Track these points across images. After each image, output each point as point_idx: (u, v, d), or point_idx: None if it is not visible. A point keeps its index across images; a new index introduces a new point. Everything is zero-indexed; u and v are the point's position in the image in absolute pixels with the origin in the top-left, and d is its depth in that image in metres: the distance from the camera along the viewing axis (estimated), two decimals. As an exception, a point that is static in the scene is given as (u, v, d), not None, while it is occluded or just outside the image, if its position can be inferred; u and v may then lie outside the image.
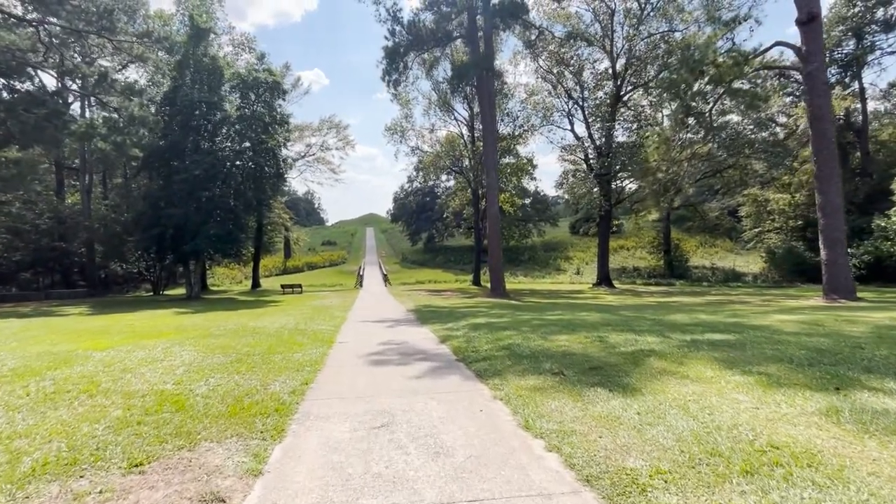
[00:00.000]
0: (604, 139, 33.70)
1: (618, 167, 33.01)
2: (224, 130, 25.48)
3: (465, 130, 39.34)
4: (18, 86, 20.98)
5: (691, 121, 15.41)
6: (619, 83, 32.19)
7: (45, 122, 19.06)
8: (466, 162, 39.91)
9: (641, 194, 37.67)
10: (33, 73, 24.31)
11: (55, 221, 34.97)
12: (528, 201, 58.41)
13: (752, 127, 30.61)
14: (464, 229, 52.33)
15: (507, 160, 39.38)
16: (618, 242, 57.25)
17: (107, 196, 40.40)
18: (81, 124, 20.61)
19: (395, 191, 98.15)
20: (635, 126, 32.42)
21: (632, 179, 33.60)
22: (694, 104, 14.56)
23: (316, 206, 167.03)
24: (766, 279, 40.01)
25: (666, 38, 31.85)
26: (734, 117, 28.62)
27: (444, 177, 63.00)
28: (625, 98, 32.58)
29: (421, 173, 57.17)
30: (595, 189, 36.45)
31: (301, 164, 46.05)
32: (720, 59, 13.14)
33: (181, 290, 35.95)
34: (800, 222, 38.91)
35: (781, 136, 36.08)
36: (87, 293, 34.03)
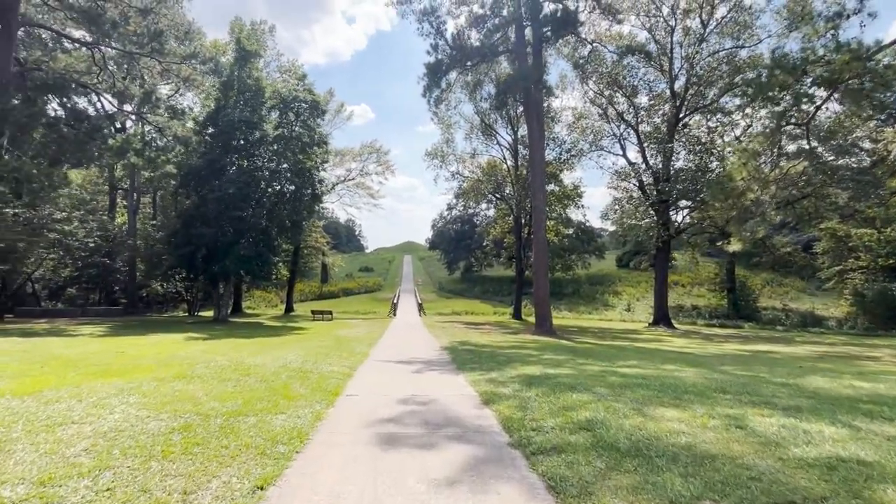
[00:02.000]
0: (661, 164, 30.98)
1: (675, 194, 30.04)
2: (261, 150, 24.99)
3: (507, 155, 37.74)
4: (69, 104, 21.35)
5: (787, 131, 12.83)
6: (678, 105, 29.68)
7: (86, 137, 19.09)
8: (509, 189, 38.07)
9: (700, 226, 34.24)
10: (90, 94, 24.94)
11: (103, 239, 35.92)
12: (571, 231, 55.45)
13: (831, 153, 27.02)
14: (504, 259, 49.87)
15: (551, 187, 37.18)
16: (671, 278, 52.71)
17: (155, 216, 41.54)
18: (118, 140, 20.62)
19: (433, 217, 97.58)
20: (697, 149, 29.52)
21: (696, 207, 30.34)
22: (792, 113, 12.07)
23: (356, 232, 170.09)
24: (853, 325, 34.80)
25: (731, 57, 29.37)
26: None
27: (483, 205, 61.53)
28: (685, 120, 29.93)
29: (461, 200, 55.92)
30: (649, 219, 33.52)
31: (341, 188, 45.84)
32: (830, 56, 10.69)
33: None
34: (892, 261, 33.98)
35: (867, 162, 31.91)
36: (125, 311, 34.17)
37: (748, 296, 39.95)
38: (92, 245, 35.27)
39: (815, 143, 14.75)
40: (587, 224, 57.44)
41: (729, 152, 24.63)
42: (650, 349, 13.43)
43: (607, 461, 3.39)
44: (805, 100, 11.25)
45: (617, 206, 35.84)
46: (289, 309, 40.75)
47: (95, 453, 3.31)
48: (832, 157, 26.07)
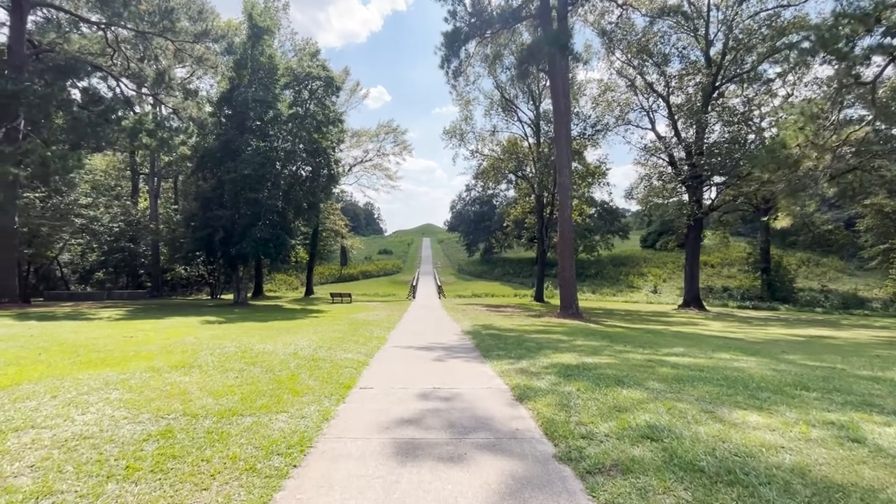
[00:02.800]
0: (694, 137, 29.09)
1: (709, 169, 28.21)
2: (276, 130, 24.34)
3: (529, 132, 36.22)
4: (84, 87, 21.03)
5: (849, 91, 11.25)
6: (714, 73, 27.60)
7: (100, 119, 18.76)
8: (530, 169, 36.66)
9: (734, 203, 32.31)
10: (106, 77, 24.62)
11: (127, 224, 36.33)
12: (594, 211, 53.57)
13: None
14: (525, 240, 48.64)
15: (574, 165, 35.57)
16: (699, 258, 50.74)
17: (177, 200, 41.82)
18: (131, 120, 20.26)
19: (452, 199, 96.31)
20: (735, 119, 27.52)
21: (731, 182, 28.50)
22: (858, 70, 10.53)
23: (375, 216, 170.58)
24: (901, 307, 32.65)
25: (774, 19, 27.08)
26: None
27: (503, 185, 59.98)
28: (721, 89, 27.88)
29: (480, 181, 54.55)
30: (677, 196, 31.83)
31: (358, 169, 45.15)
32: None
33: (237, 295, 35.72)
34: (943, 240, 31.59)
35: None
36: (150, 294, 34.68)
37: (784, 276, 37.86)
38: (117, 230, 35.75)
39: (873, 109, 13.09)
40: (611, 203, 55.45)
41: (781, 117, 22.69)
42: (689, 334, 12.40)
43: (693, 489, 2.57)
44: (878, 52, 9.75)
45: (644, 184, 34.15)
46: (309, 292, 40.75)
47: (43, 471, 2.67)
48: (886, 126, 23.91)
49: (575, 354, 7.47)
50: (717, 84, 27.42)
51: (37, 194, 30.19)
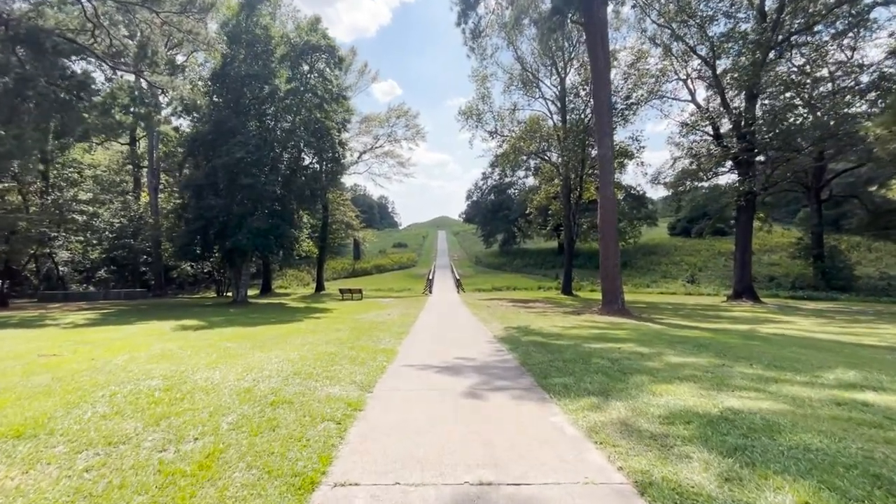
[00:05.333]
0: (744, 107, 25.60)
1: (765, 142, 24.74)
2: (273, 109, 21.82)
3: (553, 109, 33.05)
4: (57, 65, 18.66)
5: None
6: (771, 28, 23.95)
7: (70, 96, 16.51)
8: (555, 147, 33.49)
9: (787, 181, 28.75)
10: (85, 56, 22.34)
11: (128, 220, 34.54)
12: (621, 197, 49.82)
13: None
14: (549, 229, 45.44)
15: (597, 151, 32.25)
16: (752, 244, 46.88)
17: (181, 195, 39.92)
18: (103, 94, 17.97)
19: (468, 188, 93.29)
20: (798, 80, 23.92)
21: (787, 157, 25.03)
22: None
23: (389, 209, 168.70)
24: (983, 296, 28.73)
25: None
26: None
27: (520, 173, 56.61)
28: (783, 44, 24.22)
29: (497, 167, 51.38)
30: (721, 175, 28.41)
31: (368, 157, 42.53)
32: None
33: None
34: None
35: None
36: (153, 293, 32.86)
37: (842, 263, 33.99)
38: (118, 225, 33.97)
39: None
40: (638, 189, 51.66)
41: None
42: (795, 338, 9.44)
43: None
44: None
45: (681, 164, 30.72)
46: (319, 287, 38.53)
47: None
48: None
49: (693, 386, 4.66)
50: (778, 40, 23.77)
51: (31, 188, 28.79)
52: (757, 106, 25.74)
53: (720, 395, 4.29)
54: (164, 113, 21.95)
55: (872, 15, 24.63)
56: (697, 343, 7.76)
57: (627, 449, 3.07)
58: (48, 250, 29.32)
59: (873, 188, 36.31)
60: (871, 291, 31.60)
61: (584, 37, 18.56)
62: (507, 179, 61.83)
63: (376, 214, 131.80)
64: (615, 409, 3.98)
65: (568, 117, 31.44)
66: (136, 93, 19.67)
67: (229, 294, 34.24)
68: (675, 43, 28.54)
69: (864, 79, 24.71)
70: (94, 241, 32.67)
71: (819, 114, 24.55)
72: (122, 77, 21.36)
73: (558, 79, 31.77)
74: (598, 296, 19.71)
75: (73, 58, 20.55)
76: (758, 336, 9.48)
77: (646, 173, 66.12)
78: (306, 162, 23.87)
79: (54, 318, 14.42)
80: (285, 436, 3.34)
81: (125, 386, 4.66)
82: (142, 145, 37.62)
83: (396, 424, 3.75)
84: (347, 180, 41.04)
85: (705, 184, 30.85)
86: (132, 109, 18.60)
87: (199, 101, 22.78)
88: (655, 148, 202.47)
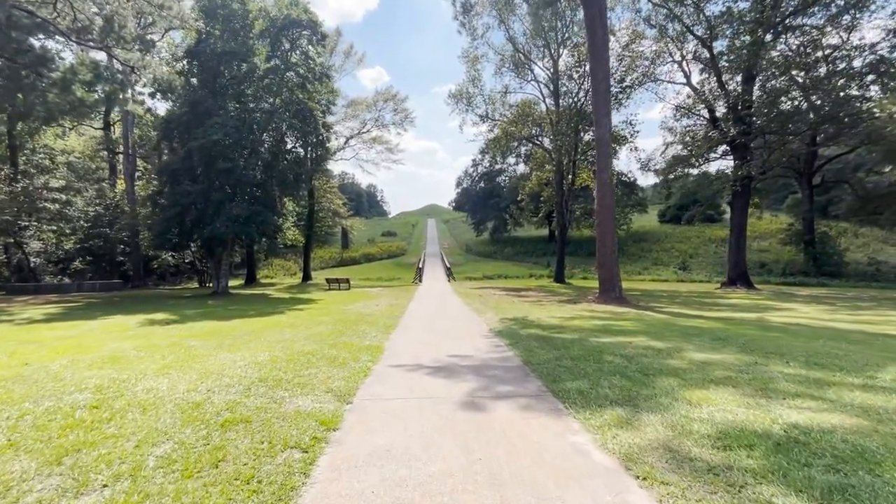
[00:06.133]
0: (741, 89, 24.99)
1: (761, 125, 24.19)
2: (252, 89, 20.54)
3: (545, 92, 32.07)
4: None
5: None
6: (772, 4, 23.21)
7: (27, 72, 15.13)
8: (546, 140, 32.65)
9: (781, 166, 28.35)
10: (48, 31, 20.71)
11: (104, 208, 32.95)
12: (614, 183, 48.81)
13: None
14: (541, 215, 44.74)
15: (590, 136, 31.44)
16: (725, 231, 46.82)
17: (158, 180, 38.24)
18: (62, 69, 16.56)
19: (458, 175, 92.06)
20: (798, 61, 23.28)
21: (783, 142, 24.54)
22: None
23: (378, 198, 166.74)
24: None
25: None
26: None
27: (511, 160, 55.63)
28: (785, 22, 23.52)
29: (488, 154, 50.36)
30: (715, 160, 27.88)
31: (356, 143, 41.15)
32: None
33: (231, 282, 32.22)
34: None
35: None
36: (131, 285, 31.53)
37: (832, 249, 33.97)
38: (93, 214, 32.38)
39: None
40: (629, 175, 51.20)
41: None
42: (813, 326, 8.86)
43: None
44: None
45: (671, 150, 30.15)
46: (306, 277, 37.45)
47: None
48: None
49: (734, 392, 3.94)
50: (778, 20, 23.06)
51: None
52: (755, 88, 25.16)
53: (772, 404, 3.57)
54: (137, 93, 20.45)
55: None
56: (714, 335, 7.09)
57: (683, 489, 2.32)
58: (18, 240, 27.81)
59: (861, 174, 36.34)
60: (861, 277, 31.66)
61: (578, 16, 17.56)
62: (498, 166, 60.92)
63: (365, 203, 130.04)
64: (650, 425, 3.23)
65: (561, 101, 30.55)
66: (105, 72, 18.16)
67: (211, 285, 33.07)
68: (671, 24, 27.71)
69: (859, 63, 24.25)
70: (68, 231, 31.10)
71: (814, 98, 24.05)
72: (87, 54, 19.84)
73: (551, 61, 30.78)
74: (592, 283, 19.16)
75: (39, 36, 18.96)
76: (772, 326, 8.87)
77: (639, 158, 65.82)
78: (289, 146, 22.66)
79: (11, 313, 13.29)
80: (230, 476, 2.52)
81: (43, 402, 3.79)
82: (117, 130, 35.86)
83: (379, 451, 2.95)
84: (334, 167, 39.72)
85: (695, 171, 30.43)
86: (97, 87, 17.20)
87: (174, 82, 21.37)
88: (646, 135, 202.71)
